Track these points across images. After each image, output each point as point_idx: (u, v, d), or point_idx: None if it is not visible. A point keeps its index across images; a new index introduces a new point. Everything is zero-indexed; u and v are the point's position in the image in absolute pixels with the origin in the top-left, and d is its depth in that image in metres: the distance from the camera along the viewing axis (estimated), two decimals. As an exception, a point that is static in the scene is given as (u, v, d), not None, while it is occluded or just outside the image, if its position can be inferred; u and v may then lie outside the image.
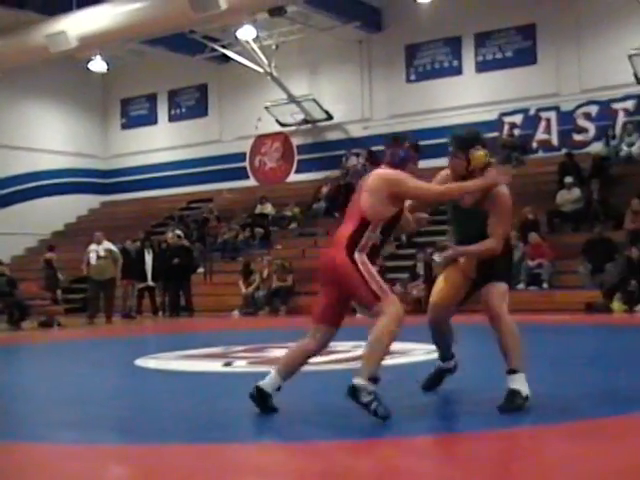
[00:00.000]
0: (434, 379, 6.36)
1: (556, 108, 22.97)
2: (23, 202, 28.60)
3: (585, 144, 22.35)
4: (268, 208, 24.97)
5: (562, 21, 22.59)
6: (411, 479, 4.12)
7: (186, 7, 19.64)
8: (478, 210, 5.75)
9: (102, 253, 18.92)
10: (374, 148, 25.01)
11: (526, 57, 23.33)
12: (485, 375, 6.97)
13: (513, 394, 5.41)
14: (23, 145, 28.47)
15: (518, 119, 23.38)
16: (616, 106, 22.12)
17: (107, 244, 19.26)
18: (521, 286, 17.66)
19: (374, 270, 5.40)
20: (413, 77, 25.18)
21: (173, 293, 20.92)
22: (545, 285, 17.79)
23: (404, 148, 5.85)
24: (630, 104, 21.96)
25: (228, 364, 8.80)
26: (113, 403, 6.78)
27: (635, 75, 21.08)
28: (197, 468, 4.34)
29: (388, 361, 8.41)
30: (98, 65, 24.47)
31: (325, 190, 24.48)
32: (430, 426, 5.41)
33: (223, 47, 25.64)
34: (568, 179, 19.75)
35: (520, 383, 5.44)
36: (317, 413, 5.81)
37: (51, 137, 29.36)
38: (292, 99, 26.00)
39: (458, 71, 24.49)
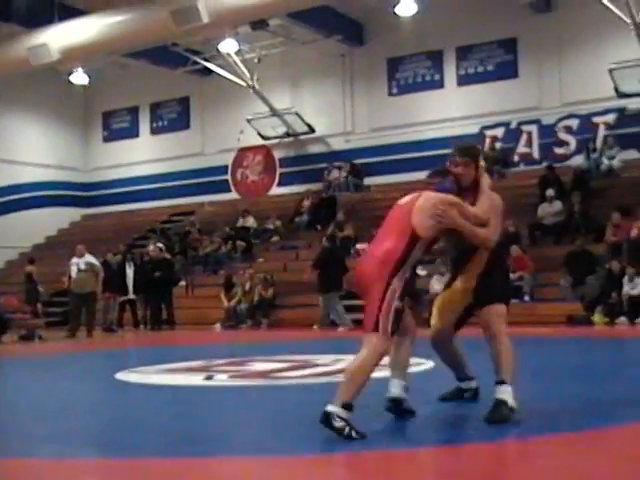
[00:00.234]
0: (452, 396, 6.41)
1: (537, 121, 23.07)
2: (4, 215, 28.44)
3: (566, 157, 22.45)
4: (250, 221, 24.95)
5: (543, 35, 22.70)
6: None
7: (168, 20, 19.62)
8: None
9: (83, 266, 18.79)
10: (356, 161, 25.14)
11: (507, 71, 23.44)
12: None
13: (499, 404, 5.48)
14: (4, 157, 28.36)
15: (499, 132, 23.47)
16: (597, 120, 22.24)
17: (89, 257, 19.14)
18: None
19: (394, 305, 5.35)
20: (395, 90, 25.24)
21: (155, 306, 20.83)
22: (527, 298, 17.82)
23: (449, 181, 5.98)
24: (611, 118, 22.08)
25: (209, 378, 8.76)
26: (93, 417, 6.74)
27: (616, 89, 21.21)
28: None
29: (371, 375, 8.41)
30: (80, 78, 24.42)
31: (307, 203, 24.49)
32: (414, 440, 5.39)
33: (205, 60, 25.64)
34: (549, 192, 19.83)
35: (507, 394, 5.52)
36: (298, 426, 5.79)
37: (32, 150, 29.24)
38: (274, 112, 26.00)
39: (440, 85, 24.57)
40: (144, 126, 30.19)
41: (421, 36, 23.71)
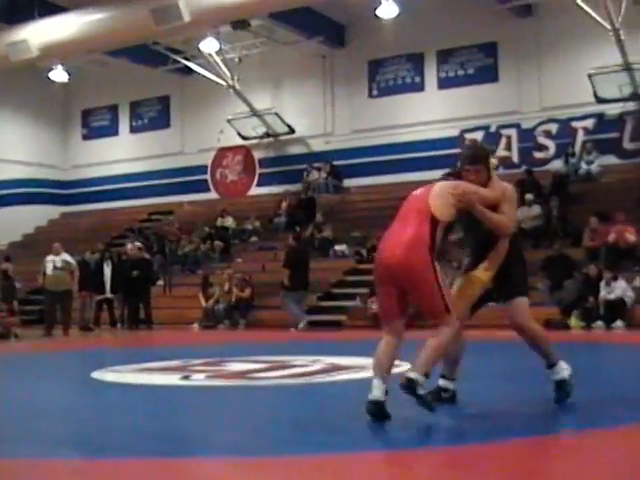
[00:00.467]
0: (432, 397, 6.26)
1: (517, 125, 23.15)
2: (-18, 212, 28.30)
3: (545, 162, 22.54)
4: (229, 221, 24.90)
5: (523, 40, 22.80)
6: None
7: (149, 19, 19.56)
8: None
9: (59, 264, 18.71)
10: (336, 162, 25.13)
11: (487, 75, 23.51)
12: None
13: (561, 384, 6.07)
14: (-18, 154, 28.21)
15: (479, 136, 23.50)
16: (576, 124, 22.34)
17: (65, 255, 19.04)
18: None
19: (447, 281, 5.66)
20: (375, 92, 25.27)
21: (132, 305, 20.74)
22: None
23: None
24: (590, 123, 22.19)
25: (186, 377, 8.74)
26: (68, 417, 6.70)
27: (595, 94, 21.31)
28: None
29: (347, 376, 8.43)
30: (59, 75, 24.31)
31: (285, 204, 24.46)
32: (391, 441, 5.38)
33: (186, 59, 25.57)
34: (528, 196, 19.88)
35: (562, 372, 6.09)
36: (275, 427, 5.78)
37: (11, 147, 29.03)
38: (254, 112, 25.97)
39: (420, 87, 24.61)
40: (124, 124, 30.07)
41: (402, 39, 23.71)
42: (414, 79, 24.67)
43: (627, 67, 20.79)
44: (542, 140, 22.80)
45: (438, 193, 5.78)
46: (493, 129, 23.40)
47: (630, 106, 21.68)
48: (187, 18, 19.32)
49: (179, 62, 25.69)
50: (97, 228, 27.84)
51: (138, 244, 21.86)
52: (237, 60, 24.95)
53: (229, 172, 27.94)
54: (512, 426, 5.62)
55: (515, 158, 23.07)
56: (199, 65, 25.39)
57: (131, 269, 20.54)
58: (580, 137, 22.19)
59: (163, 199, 28.30)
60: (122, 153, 29.60)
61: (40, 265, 19.33)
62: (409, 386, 5.36)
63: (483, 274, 6.07)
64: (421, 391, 5.38)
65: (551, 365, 6.12)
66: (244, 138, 26.80)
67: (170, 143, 28.66)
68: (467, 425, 5.73)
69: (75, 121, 31.11)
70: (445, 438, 5.36)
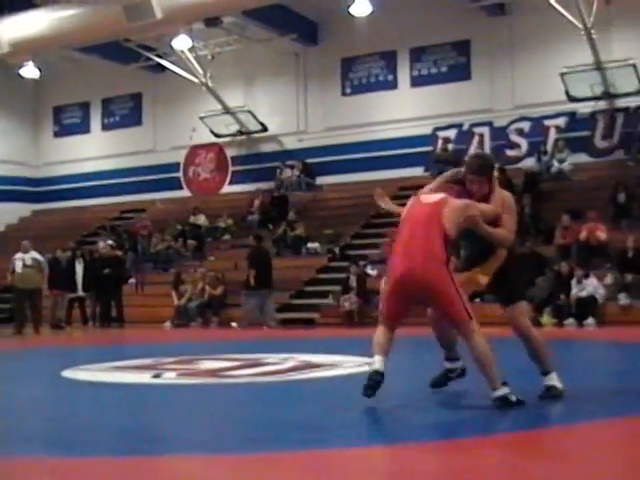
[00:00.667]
0: (440, 378, 6.64)
1: (489, 124, 23.22)
2: (-49, 210, 28.08)
3: (517, 160, 22.62)
4: (201, 219, 24.81)
5: (496, 38, 22.87)
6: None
7: (121, 16, 19.48)
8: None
9: (29, 262, 18.54)
10: (309, 160, 25.10)
11: (460, 73, 23.56)
12: (416, 389, 6.96)
13: (550, 389, 6.16)
14: (-49, 151, 27.97)
15: (452, 134, 23.59)
16: (548, 123, 22.44)
17: (34, 253, 18.86)
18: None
19: (463, 290, 5.90)
20: (348, 90, 25.26)
21: (104, 304, 20.66)
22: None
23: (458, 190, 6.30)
24: (562, 121, 22.30)
25: (157, 376, 8.67)
26: (38, 415, 6.63)
27: (567, 93, 21.42)
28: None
29: (320, 374, 8.41)
30: (30, 71, 24.14)
31: (257, 202, 24.39)
32: (363, 437, 5.36)
33: (158, 56, 25.45)
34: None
35: (555, 380, 6.18)
36: (247, 425, 5.75)
37: (-19, 144, 28.86)
38: (227, 110, 25.89)
39: (393, 85, 24.63)
40: (95, 122, 29.89)
41: (375, 37, 23.73)
42: (387, 77, 24.69)
43: (598, 66, 20.92)
44: (514, 138, 22.88)
45: (451, 213, 5.96)
46: (466, 127, 23.46)
47: (601, 105, 21.82)
48: (159, 15, 19.27)
49: (151, 59, 25.59)
50: (69, 226, 27.65)
51: (110, 242, 21.78)
52: (210, 57, 24.87)
53: (202, 170, 27.84)
54: (482, 422, 5.62)
55: (487, 156, 23.07)
56: (171, 62, 25.27)
57: (103, 267, 20.46)
58: (552, 135, 22.29)
59: (135, 197, 28.17)
60: (94, 150, 29.43)
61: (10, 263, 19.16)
62: (504, 403, 5.67)
63: (480, 277, 6.24)
64: (513, 398, 5.71)
65: (545, 372, 6.24)
66: (217, 136, 26.73)
67: (142, 141, 28.51)
68: (438, 421, 5.72)
69: (46, 118, 30.89)
70: (418, 433, 5.34)
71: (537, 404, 6.01)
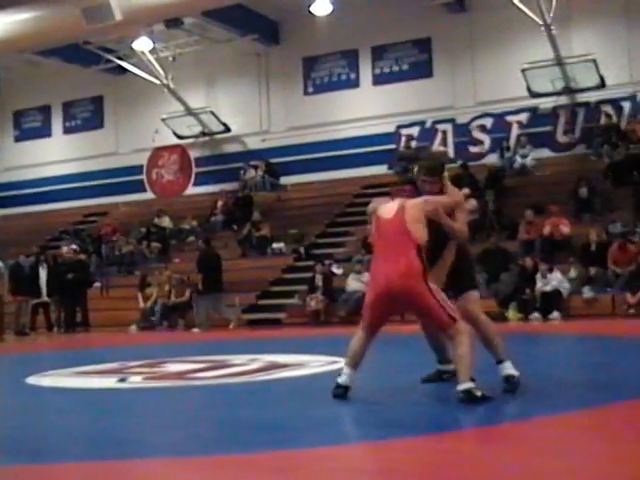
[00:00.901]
0: (433, 379, 6.86)
1: (452, 120, 23.31)
2: None
3: (480, 156, 22.72)
4: (166, 221, 24.69)
5: (457, 35, 22.96)
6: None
7: (80, 18, 19.30)
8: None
9: (-13, 268, 18.38)
10: (272, 160, 25.06)
11: (422, 70, 23.64)
12: (385, 387, 6.96)
13: (509, 378, 6.23)
14: None
15: (415, 131, 23.65)
16: (510, 119, 22.57)
17: (-7, 260, 18.71)
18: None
19: (443, 294, 6.13)
20: (311, 90, 25.25)
21: (69, 308, 20.50)
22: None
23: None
24: (524, 117, 22.43)
25: (122, 380, 8.61)
26: (0, 423, 6.55)
27: (528, 88, 21.54)
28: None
29: (287, 374, 8.40)
30: (-11, 76, 23.91)
31: (220, 203, 24.31)
32: (332, 436, 5.34)
33: (119, 58, 25.28)
34: (465, 190, 19.93)
35: (510, 368, 6.26)
36: (214, 427, 5.72)
37: (-60, 150, 28.55)
38: (189, 111, 25.79)
39: (355, 84, 24.65)
40: (57, 125, 29.65)
41: (337, 35, 23.76)
42: (349, 76, 24.71)
43: (559, 62, 21.06)
44: (477, 134, 23.00)
45: (413, 218, 6.14)
46: (429, 124, 23.54)
47: (563, 100, 21.98)
48: (119, 17, 19.11)
49: (112, 61, 25.40)
50: (31, 231, 27.42)
51: (73, 246, 21.62)
52: (171, 59, 24.76)
53: (165, 172, 27.72)
54: (452, 418, 5.63)
55: (451, 153, 23.19)
56: (132, 64, 25.12)
57: (67, 272, 20.32)
58: (515, 131, 22.43)
59: (98, 200, 27.95)
60: (55, 154, 29.19)
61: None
62: (468, 397, 5.75)
63: (439, 272, 6.37)
64: (478, 393, 5.78)
65: (499, 361, 6.32)
66: (180, 137, 26.62)
67: (104, 143, 28.32)
68: (407, 418, 5.71)
69: (6, 123, 30.58)
70: (386, 431, 5.33)
71: (503, 398, 6.02)
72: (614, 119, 21.12)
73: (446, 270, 6.39)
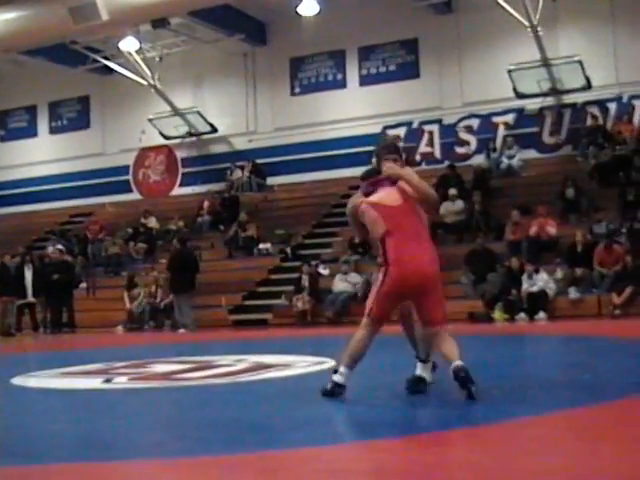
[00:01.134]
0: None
1: (438, 121, 23.34)
2: None
3: (467, 157, 22.76)
4: (152, 222, 24.64)
5: (443, 36, 22.99)
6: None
7: (66, 17, 19.25)
8: None
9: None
10: (259, 161, 25.05)
11: (409, 71, 23.66)
12: (370, 386, 6.96)
13: (421, 378, 6.32)
14: None
15: (402, 132, 23.66)
16: (497, 119, 22.61)
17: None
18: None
19: None
20: (298, 90, 25.24)
21: (55, 309, 20.44)
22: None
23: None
24: (510, 118, 22.48)
25: (108, 381, 8.59)
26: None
27: (514, 89, 21.58)
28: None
29: (273, 374, 8.39)
30: (-25, 76, 23.81)
31: (207, 204, 24.27)
32: (317, 437, 5.34)
33: (106, 58, 25.22)
34: (452, 191, 20.03)
35: (427, 372, 6.36)
36: (200, 427, 5.70)
37: None
38: (176, 112, 25.75)
39: (342, 84, 24.66)
40: (43, 126, 29.54)
41: (324, 36, 23.76)
42: (336, 76, 24.72)
43: (545, 63, 21.11)
44: (464, 135, 23.03)
45: (414, 200, 6.23)
46: (415, 125, 23.56)
47: (549, 101, 22.02)
48: (105, 17, 19.08)
49: (98, 61, 25.34)
50: (17, 231, 27.35)
51: (59, 247, 21.55)
52: (158, 59, 24.72)
53: (152, 172, 27.66)
54: (437, 418, 5.64)
55: (437, 153, 23.27)
56: (119, 64, 25.06)
57: (52, 272, 20.26)
58: (501, 132, 22.47)
59: (84, 201, 27.86)
60: (42, 155, 29.09)
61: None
62: (467, 371, 5.76)
63: None
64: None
65: (422, 360, 6.42)
66: (166, 138, 26.58)
67: (91, 144, 28.24)
68: (392, 418, 5.71)
69: (-8, 123, 30.50)
70: (371, 431, 5.34)
71: (490, 398, 6.03)
72: (600, 120, 21.19)
73: None
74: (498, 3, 19.72)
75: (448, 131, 23.17)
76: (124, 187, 27.77)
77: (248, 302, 20.01)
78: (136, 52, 23.96)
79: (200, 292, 19.52)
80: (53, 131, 29.37)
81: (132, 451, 5.09)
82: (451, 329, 6.20)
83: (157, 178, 27.56)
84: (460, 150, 23.00)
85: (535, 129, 22.14)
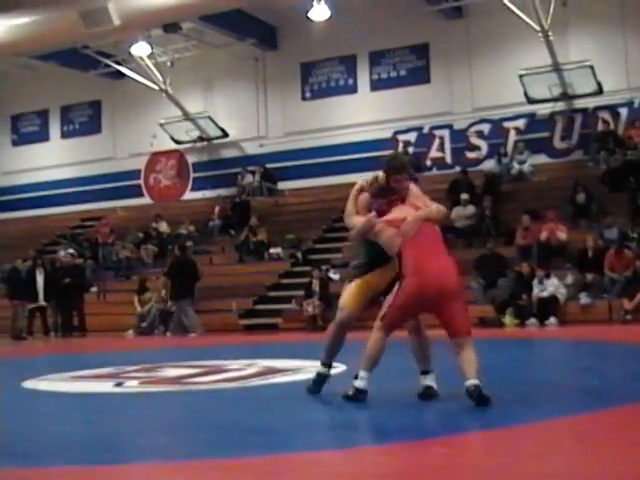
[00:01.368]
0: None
1: (449, 126, 23.33)
2: None
3: (478, 162, 22.74)
4: (163, 226, 24.67)
5: (454, 41, 22.98)
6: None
7: (78, 22, 19.31)
8: None
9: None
10: (270, 165, 25.07)
11: (420, 76, 23.66)
12: (385, 389, 6.96)
13: (432, 389, 6.35)
14: None
15: (412, 137, 23.66)
16: (507, 124, 22.60)
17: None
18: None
19: None
20: (308, 95, 25.27)
21: (66, 313, 20.49)
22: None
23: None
24: (521, 123, 22.47)
25: (119, 384, 8.61)
26: (-3, 426, 6.55)
27: (525, 94, 21.57)
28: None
29: (282, 379, 8.40)
30: (-14, 80, 23.91)
31: (217, 209, 24.31)
32: (325, 441, 5.35)
33: (117, 63, 25.29)
34: (464, 196, 20.02)
35: (433, 380, 6.39)
36: (208, 431, 5.71)
37: (-62, 154, 28.53)
38: (187, 116, 25.80)
39: (353, 89, 24.67)
40: (54, 130, 29.63)
41: (334, 41, 23.78)
42: (347, 81, 24.74)
43: (556, 68, 21.09)
44: (474, 140, 23.02)
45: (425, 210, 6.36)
46: (426, 130, 23.55)
47: (560, 106, 22.01)
48: (117, 22, 19.14)
49: (110, 66, 25.41)
50: (28, 235, 27.41)
51: (70, 251, 21.60)
52: (169, 64, 24.77)
53: (163, 177, 27.71)
54: (437, 423, 5.63)
55: (448, 159, 23.26)
56: (130, 69, 25.13)
57: (63, 276, 20.30)
58: (512, 137, 22.46)
59: (95, 205, 27.95)
60: (53, 159, 29.17)
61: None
62: (483, 398, 5.79)
63: (376, 280, 6.58)
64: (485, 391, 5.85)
65: (424, 372, 6.46)
66: (177, 142, 26.63)
67: (102, 148, 28.31)
68: (399, 423, 5.72)
69: (4, 127, 30.55)
70: (379, 436, 5.35)
71: (496, 403, 6.03)
72: (611, 125, 21.16)
73: (393, 274, 6.37)
74: (508, 8, 19.72)
75: (459, 136, 23.16)
76: (135, 191, 27.84)
77: (259, 306, 20.03)
78: (147, 57, 24.03)
79: (210, 296, 19.56)
80: (65, 135, 29.45)
81: (139, 454, 5.09)
82: None
83: (168, 183, 27.61)
84: (471, 155, 22.99)
85: (546, 134, 22.12)
